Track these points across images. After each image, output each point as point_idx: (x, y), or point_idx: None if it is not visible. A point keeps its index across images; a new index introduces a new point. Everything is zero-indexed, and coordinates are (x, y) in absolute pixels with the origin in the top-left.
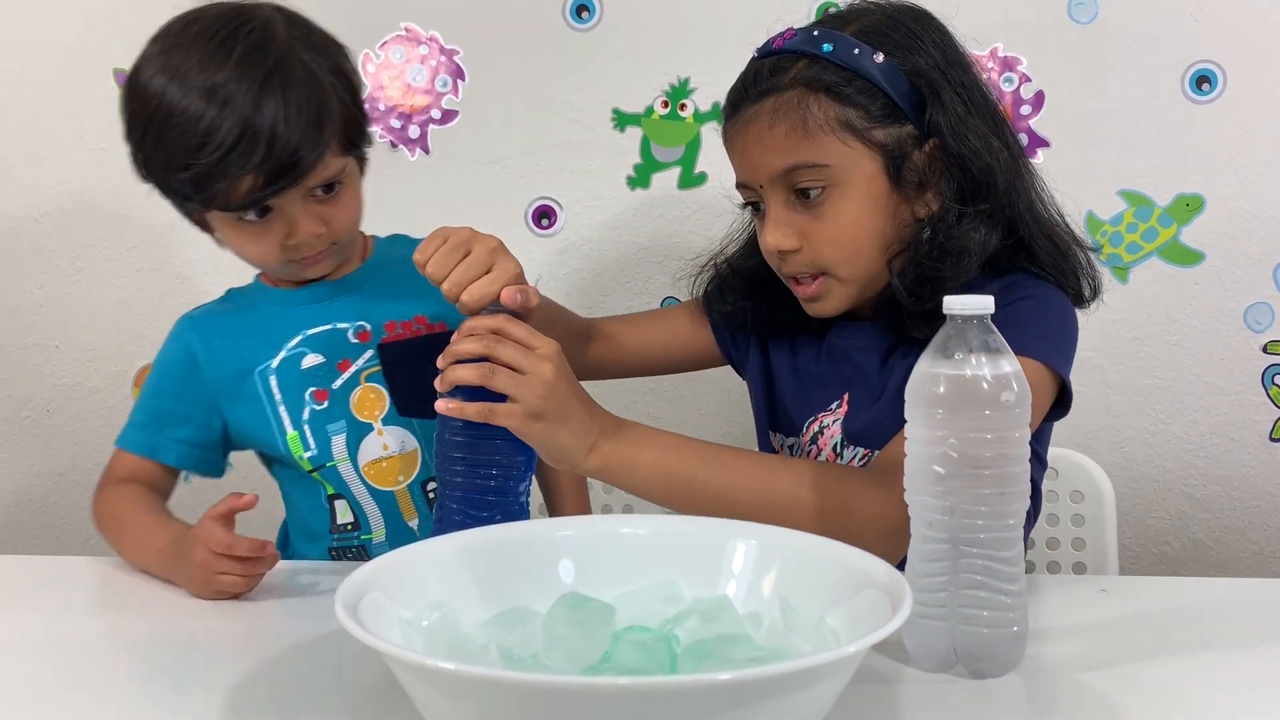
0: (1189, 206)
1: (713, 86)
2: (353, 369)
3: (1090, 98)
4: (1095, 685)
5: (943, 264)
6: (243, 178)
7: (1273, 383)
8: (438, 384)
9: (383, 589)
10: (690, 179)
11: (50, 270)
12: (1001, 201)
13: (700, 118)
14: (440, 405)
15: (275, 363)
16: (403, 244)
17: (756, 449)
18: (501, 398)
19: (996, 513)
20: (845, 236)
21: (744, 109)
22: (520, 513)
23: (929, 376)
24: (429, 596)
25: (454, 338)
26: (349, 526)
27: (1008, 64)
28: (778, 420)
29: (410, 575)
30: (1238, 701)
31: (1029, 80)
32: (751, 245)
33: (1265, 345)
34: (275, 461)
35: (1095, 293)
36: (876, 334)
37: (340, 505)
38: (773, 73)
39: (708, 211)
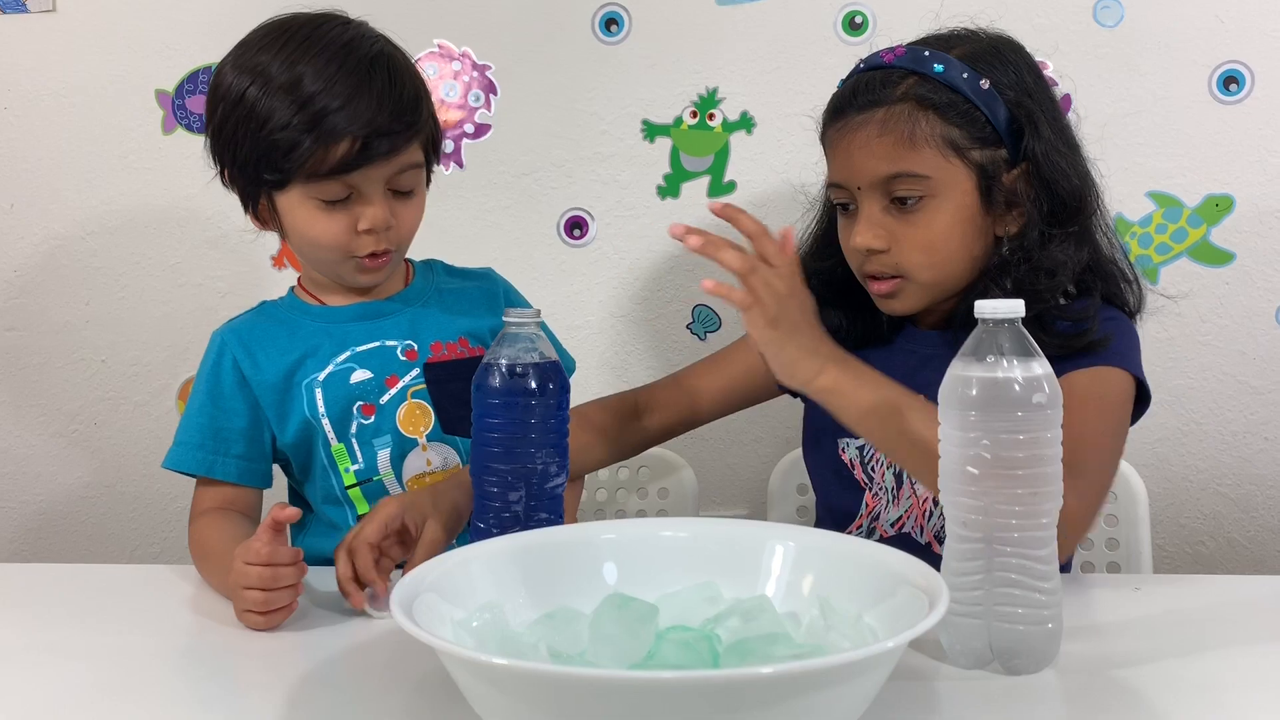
0: (1218, 207)
1: (740, 96)
2: (400, 385)
3: (1117, 100)
4: (1130, 682)
5: (1038, 280)
6: (343, 138)
7: None
8: (694, 242)
9: (436, 591)
10: (720, 188)
11: (96, 287)
12: (1089, 224)
13: (729, 127)
14: (708, 285)
15: (322, 376)
16: (440, 269)
17: (803, 461)
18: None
19: (1030, 512)
20: (934, 244)
21: (850, 115)
22: (555, 521)
23: (961, 379)
24: (479, 598)
25: (714, 241)
26: None
27: None
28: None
29: (461, 578)
30: (1273, 699)
31: (1055, 84)
32: (826, 245)
33: None
34: (305, 480)
35: (1138, 307)
36: (946, 343)
37: None
38: (883, 85)
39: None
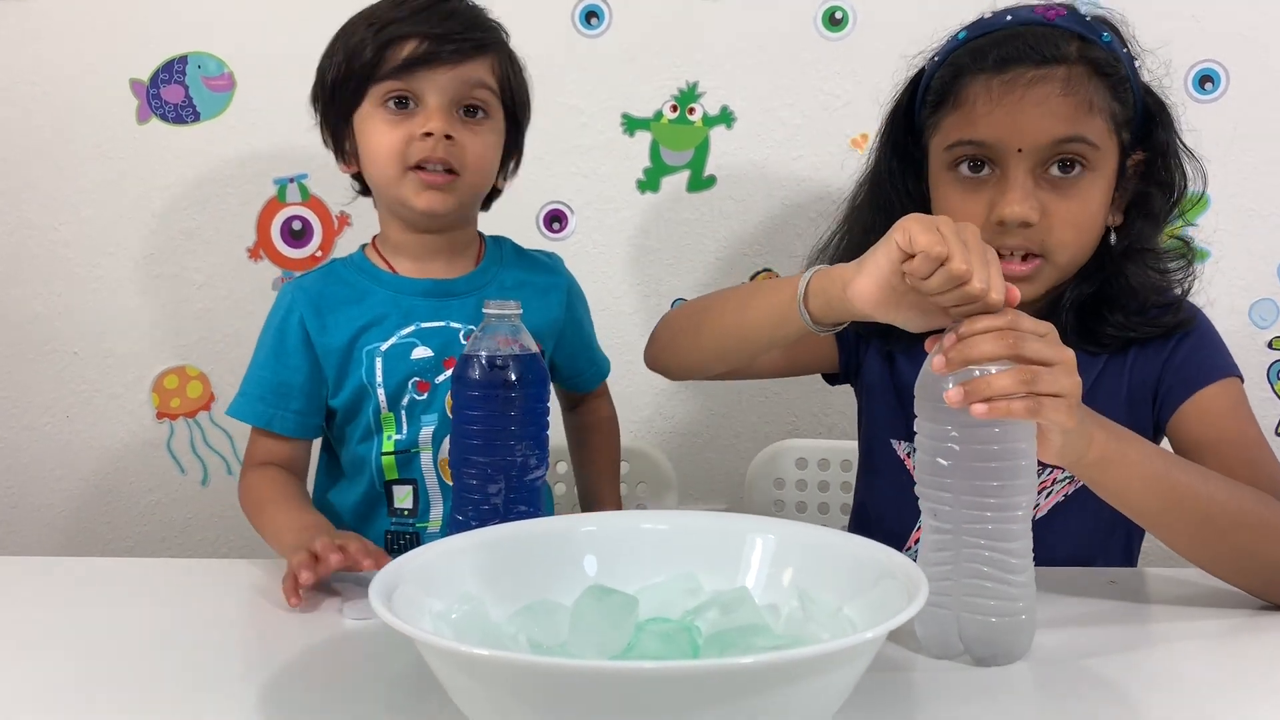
0: (1194, 205)
1: (721, 90)
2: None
3: None
4: (1102, 673)
5: (1150, 276)
6: (408, 40)
7: (1279, 377)
8: (954, 395)
9: (415, 582)
10: (699, 182)
11: (69, 277)
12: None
13: (709, 121)
14: (954, 397)
15: (385, 346)
16: (509, 250)
17: (857, 457)
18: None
19: (1003, 504)
20: (1084, 223)
21: (1022, 68)
22: (535, 513)
23: (935, 371)
24: (459, 590)
25: (957, 337)
26: (406, 512)
27: None
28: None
29: (441, 569)
30: (1243, 691)
31: None
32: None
33: (1270, 341)
34: (342, 438)
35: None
36: None
37: (401, 490)
38: (1056, 42)
39: (716, 214)
